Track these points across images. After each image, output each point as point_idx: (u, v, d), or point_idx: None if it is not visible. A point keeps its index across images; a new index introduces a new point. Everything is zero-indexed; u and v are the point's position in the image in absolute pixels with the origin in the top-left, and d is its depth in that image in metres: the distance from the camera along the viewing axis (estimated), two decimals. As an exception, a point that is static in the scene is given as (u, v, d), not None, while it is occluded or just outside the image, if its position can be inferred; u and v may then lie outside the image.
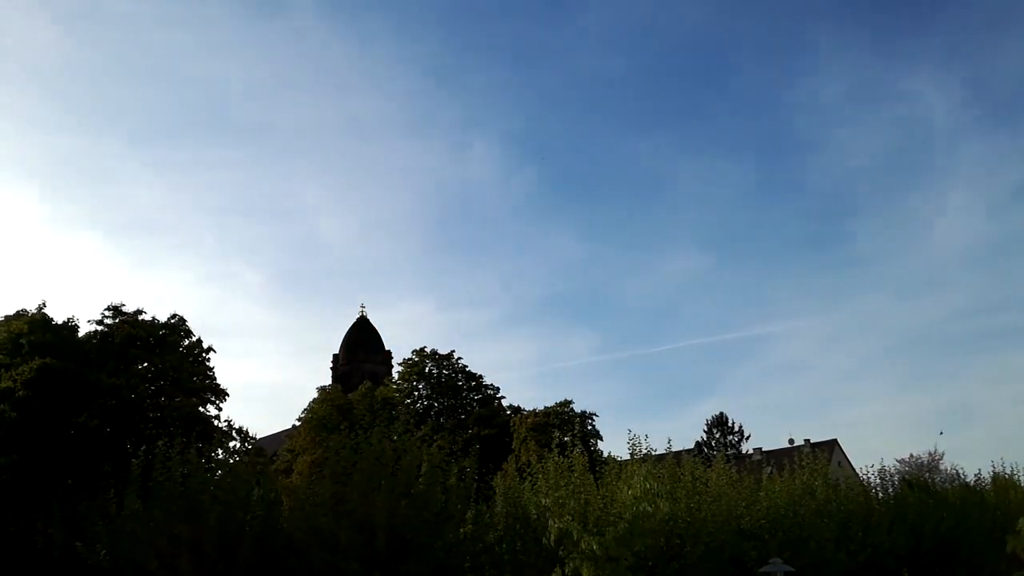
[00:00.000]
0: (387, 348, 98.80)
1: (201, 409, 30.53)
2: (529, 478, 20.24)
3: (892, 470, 32.57)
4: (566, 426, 45.84)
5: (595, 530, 16.31)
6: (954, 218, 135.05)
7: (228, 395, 31.91)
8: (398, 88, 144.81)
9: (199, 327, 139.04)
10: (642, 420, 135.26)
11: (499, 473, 20.81)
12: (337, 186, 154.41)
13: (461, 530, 17.89)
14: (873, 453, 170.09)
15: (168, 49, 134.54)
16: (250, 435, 32.89)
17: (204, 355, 31.89)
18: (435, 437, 19.02)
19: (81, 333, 30.34)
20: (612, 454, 24.85)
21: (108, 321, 30.93)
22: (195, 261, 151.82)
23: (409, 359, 56.68)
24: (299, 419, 52.58)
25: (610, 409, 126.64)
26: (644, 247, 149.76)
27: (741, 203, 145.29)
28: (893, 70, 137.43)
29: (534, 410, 50.26)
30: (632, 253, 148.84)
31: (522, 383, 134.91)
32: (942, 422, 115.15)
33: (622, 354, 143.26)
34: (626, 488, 17.98)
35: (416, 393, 55.34)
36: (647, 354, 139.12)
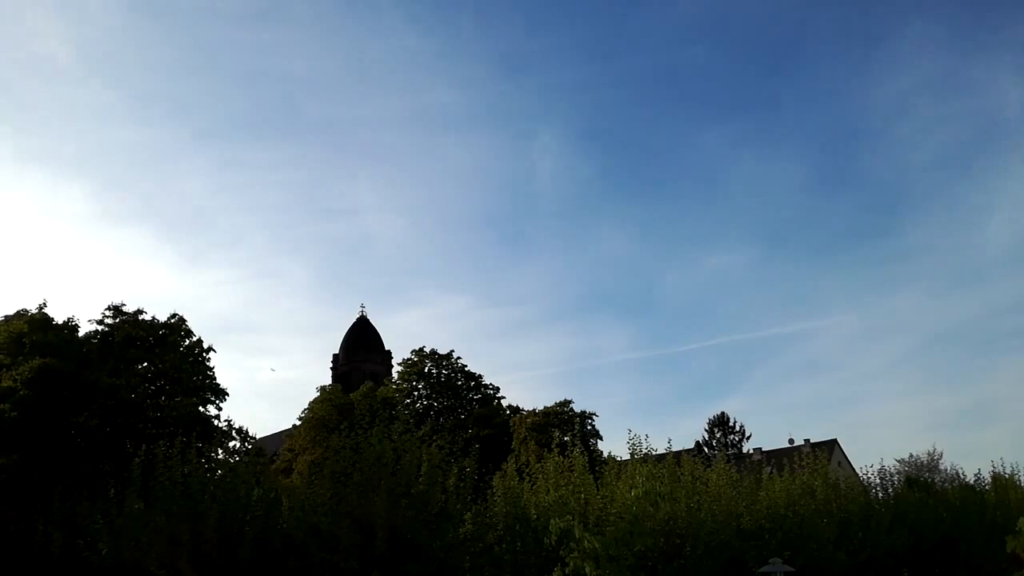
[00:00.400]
0: (387, 348, 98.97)
1: (201, 409, 30.52)
2: (529, 478, 20.26)
3: (892, 470, 32.65)
4: (566, 426, 45.85)
5: (596, 529, 16.32)
6: (1009, 214, 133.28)
7: (228, 395, 31.93)
8: (471, 81, 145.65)
9: (238, 325, 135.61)
10: (663, 419, 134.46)
11: (499, 473, 20.78)
12: (394, 183, 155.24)
13: (461, 530, 17.88)
14: (875, 453, 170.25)
15: (250, 45, 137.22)
16: (250, 435, 32.91)
17: (204, 355, 31.89)
18: (435, 437, 18.97)
19: (81, 333, 30.36)
20: (612, 454, 24.85)
21: (108, 321, 30.93)
22: (242, 259, 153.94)
23: (409, 359, 56.73)
24: (299, 419, 52.58)
25: (632, 408, 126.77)
26: (691, 242, 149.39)
27: (794, 197, 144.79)
28: (967, 63, 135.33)
29: (534, 410, 50.29)
30: (678, 249, 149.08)
31: (546, 381, 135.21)
32: (957, 422, 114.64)
33: (653, 352, 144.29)
34: (627, 488, 17.99)
35: (416, 393, 55.34)
36: (678, 352, 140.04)
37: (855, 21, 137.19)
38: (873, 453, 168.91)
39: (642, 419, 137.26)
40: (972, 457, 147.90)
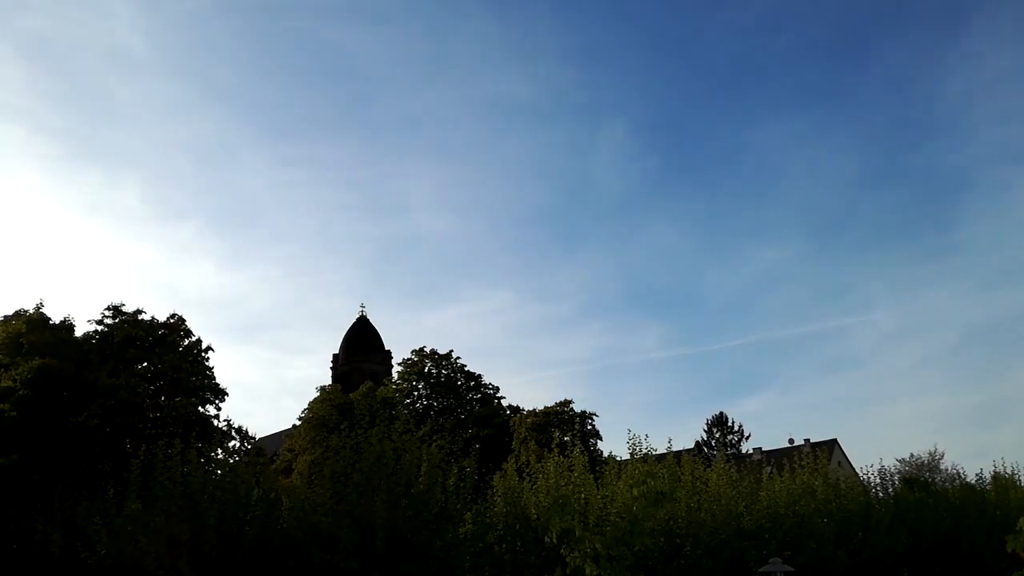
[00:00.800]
0: (387, 348, 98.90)
1: (200, 409, 30.50)
2: (529, 478, 20.25)
3: (892, 470, 32.67)
4: (566, 426, 45.84)
5: (596, 529, 16.32)
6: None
7: (227, 395, 31.91)
8: (544, 72, 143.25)
9: (277, 322, 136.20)
10: (684, 418, 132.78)
11: (499, 473, 20.77)
12: (450, 181, 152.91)
13: (461, 530, 17.88)
14: (885, 452, 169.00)
15: (331, 38, 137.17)
16: (249, 435, 32.89)
17: (204, 355, 31.86)
18: (435, 437, 18.96)
19: (80, 333, 30.38)
20: (613, 454, 24.85)
21: (108, 321, 30.92)
22: (287, 258, 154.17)
23: (408, 359, 56.72)
24: (299, 419, 52.55)
25: (654, 406, 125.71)
26: (740, 237, 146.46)
27: (850, 190, 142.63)
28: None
29: (533, 410, 50.26)
30: (727, 244, 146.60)
31: (574, 378, 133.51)
32: (976, 420, 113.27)
33: (681, 351, 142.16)
34: (627, 488, 17.98)
35: (416, 393, 55.33)
36: (706, 351, 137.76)
37: (932, 11, 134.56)
38: (883, 452, 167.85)
39: (663, 418, 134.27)
40: (990, 457, 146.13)
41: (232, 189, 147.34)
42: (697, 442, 64.85)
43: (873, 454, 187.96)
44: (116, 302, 31.39)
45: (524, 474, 20.65)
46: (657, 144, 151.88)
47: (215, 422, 30.62)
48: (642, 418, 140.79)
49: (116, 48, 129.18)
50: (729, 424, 68.90)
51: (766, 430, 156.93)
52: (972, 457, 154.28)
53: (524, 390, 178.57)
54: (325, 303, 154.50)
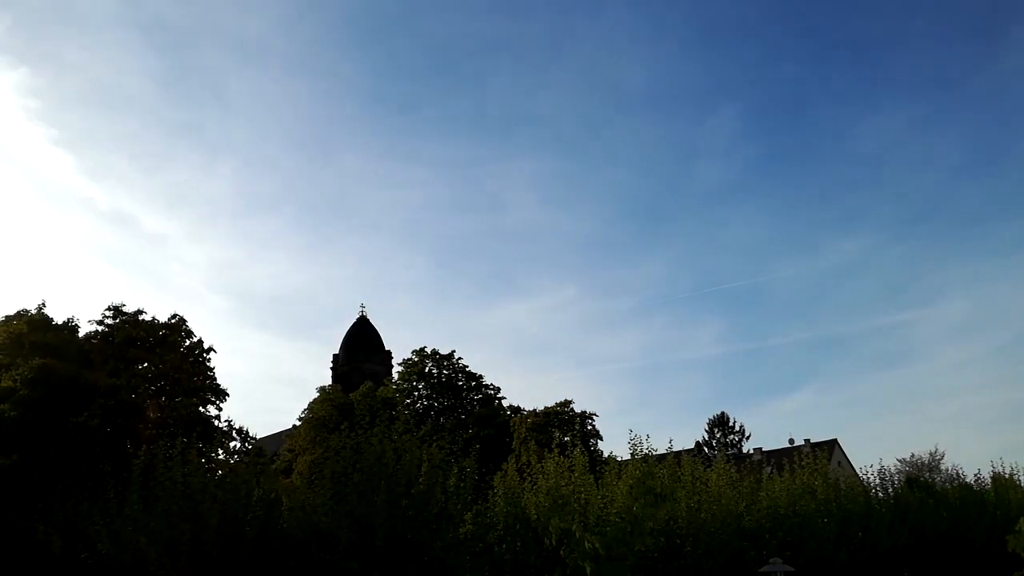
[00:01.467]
0: (387, 348, 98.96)
1: (201, 409, 30.54)
2: (529, 478, 20.28)
3: (893, 470, 32.66)
4: (566, 426, 45.88)
5: (596, 529, 16.33)
6: None
7: (228, 395, 31.97)
8: (660, 56, 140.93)
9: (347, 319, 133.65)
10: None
11: (499, 473, 20.80)
12: (544, 178, 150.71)
13: (461, 530, 17.89)
14: (875, 453, 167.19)
15: (461, 37, 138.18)
16: (250, 435, 32.93)
17: (204, 355, 31.90)
18: (435, 437, 18.97)
19: (81, 333, 30.42)
20: (613, 454, 24.89)
21: (108, 321, 30.96)
22: (367, 254, 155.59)
23: (409, 359, 56.75)
24: (299, 419, 52.58)
25: (696, 405, 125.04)
26: (822, 228, 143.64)
27: (949, 179, 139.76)
28: None
29: (534, 410, 50.29)
30: (807, 235, 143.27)
31: (620, 375, 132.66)
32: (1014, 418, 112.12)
33: (733, 347, 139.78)
34: (627, 488, 18.01)
35: (416, 393, 55.35)
36: (758, 348, 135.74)
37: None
38: (889, 452, 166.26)
39: (698, 417, 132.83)
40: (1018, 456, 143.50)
41: (323, 185, 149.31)
42: (697, 442, 64.96)
43: (874, 454, 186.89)
44: (117, 302, 31.52)
45: (524, 474, 20.68)
46: (765, 130, 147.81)
47: (216, 423, 30.68)
48: (680, 416, 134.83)
49: (241, 37, 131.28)
50: (730, 424, 68.97)
51: (767, 430, 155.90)
52: (1004, 456, 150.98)
53: (566, 387, 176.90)
54: (396, 300, 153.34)
